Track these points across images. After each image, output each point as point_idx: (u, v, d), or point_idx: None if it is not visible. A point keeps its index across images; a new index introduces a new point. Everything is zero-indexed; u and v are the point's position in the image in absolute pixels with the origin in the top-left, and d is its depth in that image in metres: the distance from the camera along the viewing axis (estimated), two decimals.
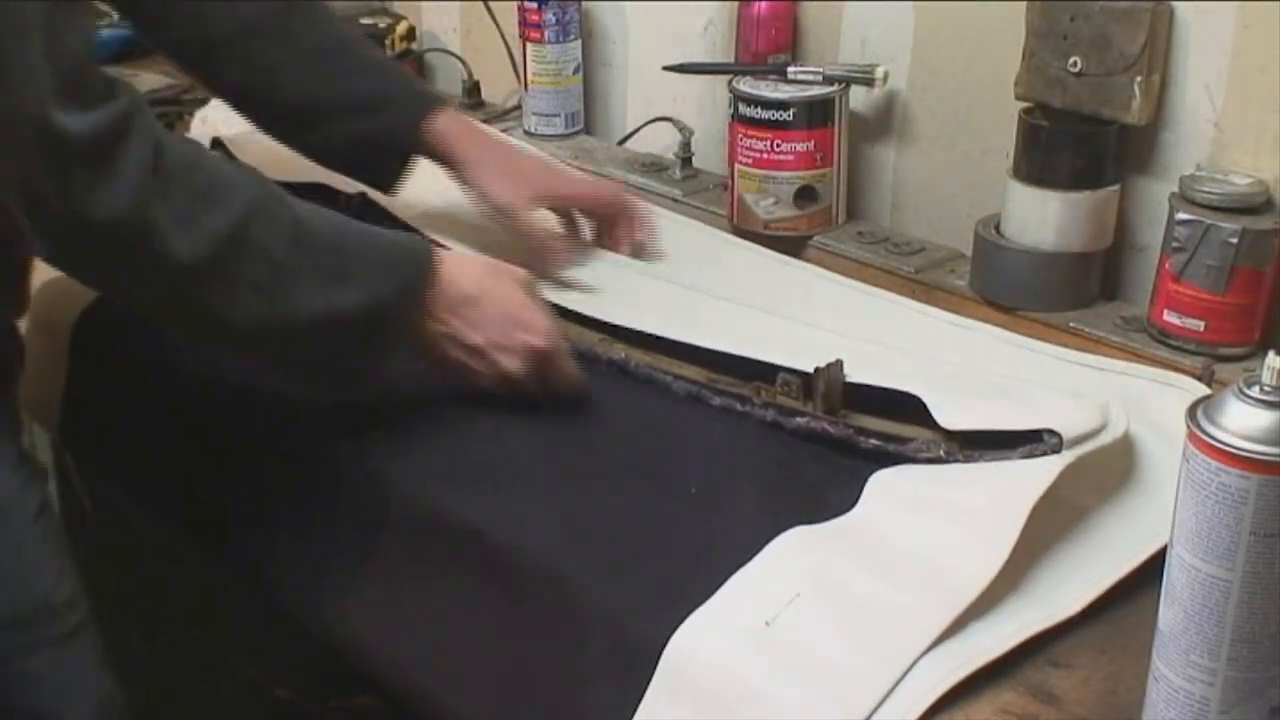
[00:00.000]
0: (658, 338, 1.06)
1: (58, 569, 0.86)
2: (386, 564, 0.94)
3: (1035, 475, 0.84)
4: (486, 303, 0.96)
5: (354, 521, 0.97)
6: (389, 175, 1.15)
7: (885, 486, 0.90)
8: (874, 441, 0.94)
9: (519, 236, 1.14)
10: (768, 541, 0.83)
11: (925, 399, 0.92)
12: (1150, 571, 0.77)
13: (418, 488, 0.94)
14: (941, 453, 0.91)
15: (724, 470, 0.94)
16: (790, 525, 0.85)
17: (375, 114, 1.10)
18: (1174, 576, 0.67)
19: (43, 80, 0.74)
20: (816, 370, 0.97)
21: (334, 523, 0.98)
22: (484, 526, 0.89)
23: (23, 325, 0.97)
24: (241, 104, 1.14)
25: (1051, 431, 0.88)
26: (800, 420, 0.97)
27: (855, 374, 0.97)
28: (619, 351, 1.06)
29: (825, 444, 0.95)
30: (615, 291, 1.14)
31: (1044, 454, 0.87)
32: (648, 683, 0.77)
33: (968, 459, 0.90)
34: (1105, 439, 0.90)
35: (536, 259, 1.10)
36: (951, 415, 0.92)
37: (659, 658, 0.78)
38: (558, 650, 0.84)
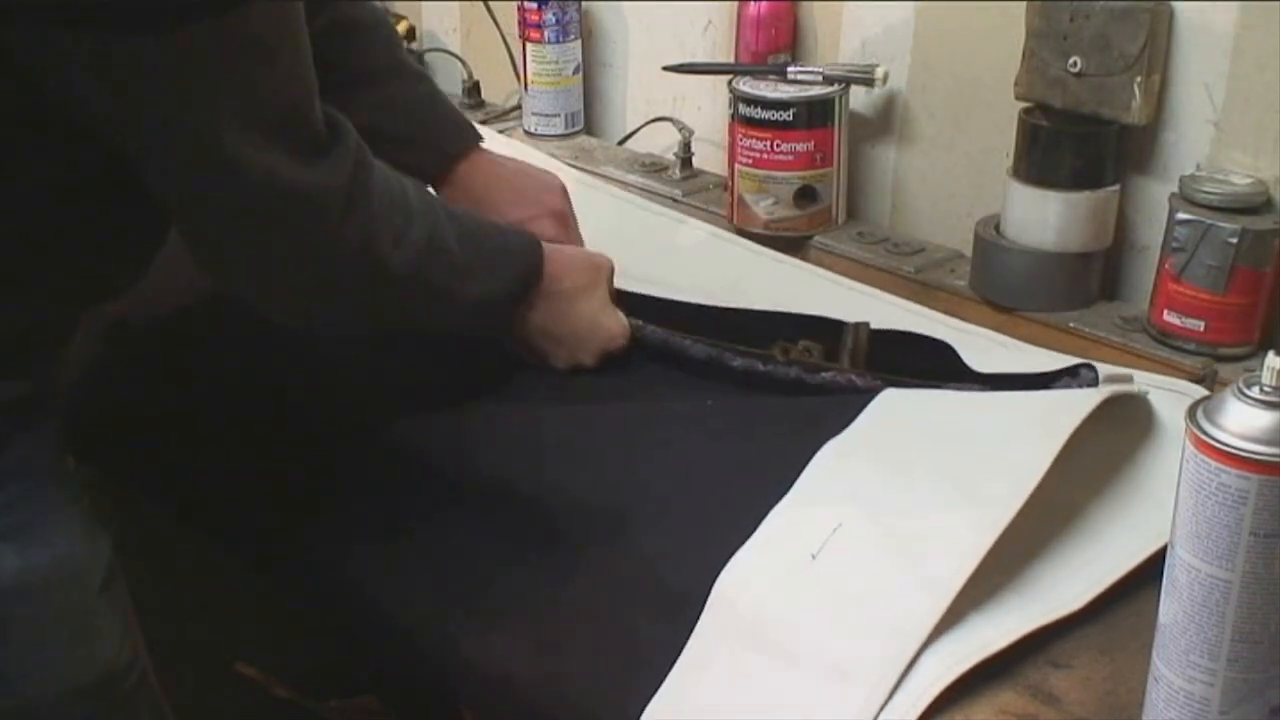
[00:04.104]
0: (672, 305, 1.07)
1: (121, 631, 0.84)
2: (419, 523, 0.93)
3: (1078, 397, 0.84)
4: (579, 301, 1.02)
5: (386, 484, 0.97)
6: None
7: (900, 397, 0.90)
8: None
9: None
10: (801, 466, 0.84)
11: (957, 348, 0.94)
12: (1150, 571, 0.77)
13: (451, 449, 0.97)
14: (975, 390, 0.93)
15: (746, 407, 0.95)
16: (821, 442, 0.86)
17: (402, 150, 1.08)
18: (1174, 576, 0.67)
19: (275, 144, 0.76)
20: (846, 325, 0.98)
21: (365, 487, 0.97)
22: (515, 481, 0.92)
23: None
24: None
25: (1089, 365, 0.89)
26: (826, 375, 0.97)
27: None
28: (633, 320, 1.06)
29: (851, 395, 0.95)
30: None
31: (1080, 386, 0.89)
32: (694, 622, 0.77)
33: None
34: (1137, 388, 0.91)
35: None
36: (983, 365, 0.94)
37: (706, 597, 0.78)
38: (600, 596, 0.84)
